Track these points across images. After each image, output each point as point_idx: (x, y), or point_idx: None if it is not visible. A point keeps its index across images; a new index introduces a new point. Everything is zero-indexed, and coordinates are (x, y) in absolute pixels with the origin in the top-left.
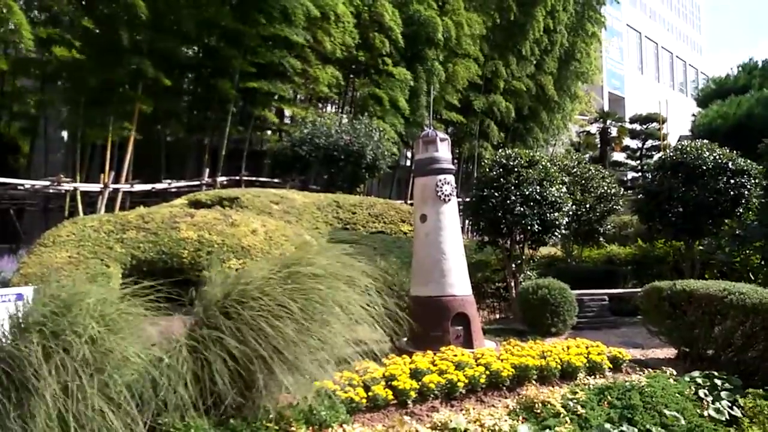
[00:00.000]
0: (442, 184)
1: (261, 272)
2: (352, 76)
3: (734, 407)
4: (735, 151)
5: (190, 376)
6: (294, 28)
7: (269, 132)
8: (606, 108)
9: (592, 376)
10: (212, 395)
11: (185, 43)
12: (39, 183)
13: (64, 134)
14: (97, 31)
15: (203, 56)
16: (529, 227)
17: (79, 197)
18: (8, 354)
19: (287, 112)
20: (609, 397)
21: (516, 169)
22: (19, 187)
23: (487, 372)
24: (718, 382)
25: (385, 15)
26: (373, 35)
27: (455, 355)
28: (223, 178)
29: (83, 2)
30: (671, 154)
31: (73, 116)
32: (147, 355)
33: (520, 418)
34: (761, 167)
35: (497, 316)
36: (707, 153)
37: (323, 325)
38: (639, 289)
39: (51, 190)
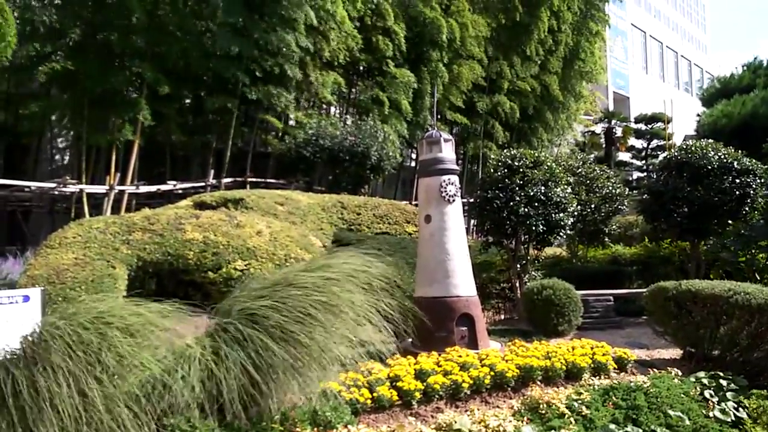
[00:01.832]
0: (447, 184)
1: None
2: (355, 78)
3: (740, 408)
4: (740, 151)
5: (199, 380)
6: (297, 35)
7: (273, 134)
8: (611, 108)
9: (597, 377)
10: (219, 397)
11: (186, 49)
12: (45, 185)
13: (70, 136)
14: (98, 37)
15: (205, 61)
16: (533, 228)
17: (84, 199)
18: (31, 362)
19: (291, 115)
20: (614, 398)
21: (521, 170)
22: (26, 189)
23: (492, 373)
24: (724, 382)
25: (388, 18)
26: (376, 38)
27: (460, 356)
28: (228, 180)
29: (84, 11)
30: (676, 153)
31: (77, 119)
32: (161, 360)
33: (525, 418)
34: (766, 167)
35: (502, 316)
36: (712, 152)
37: (329, 326)
38: (644, 290)
39: (57, 192)
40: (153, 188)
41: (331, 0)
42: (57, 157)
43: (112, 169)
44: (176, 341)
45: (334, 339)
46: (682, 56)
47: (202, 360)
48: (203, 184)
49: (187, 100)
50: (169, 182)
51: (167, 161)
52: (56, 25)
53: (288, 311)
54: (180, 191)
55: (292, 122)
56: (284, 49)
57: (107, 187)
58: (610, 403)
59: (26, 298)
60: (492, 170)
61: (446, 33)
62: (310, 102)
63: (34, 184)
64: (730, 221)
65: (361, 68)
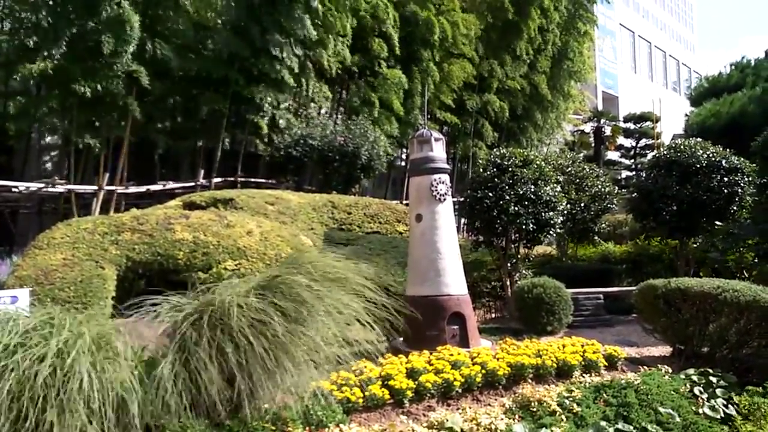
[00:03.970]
0: (437, 183)
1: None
2: (347, 78)
3: (729, 405)
4: (728, 149)
5: (183, 380)
6: (293, 43)
7: (264, 133)
8: (600, 107)
9: (588, 375)
10: (208, 397)
11: (180, 49)
12: (33, 185)
13: (59, 136)
14: (88, 36)
15: (198, 62)
16: (524, 226)
17: (73, 199)
18: None
19: (281, 116)
20: (605, 395)
21: (510, 169)
22: (13, 189)
23: (484, 371)
24: (713, 379)
25: (387, 21)
26: (371, 40)
27: (451, 355)
28: (218, 179)
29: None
30: (665, 152)
31: (66, 118)
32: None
33: (516, 416)
34: (754, 165)
35: (493, 315)
36: (701, 151)
37: (319, 326)
38: (634, 288)
39: (45, 192)
40: (142, 188)
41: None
42: (45, 157)
43: (101, 169)
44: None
45: (310, 329)
46: (670, 56)
47: (181, 358)
48: (193, 184)
49: (178, 100)
50: (158, 182)
51: (157, 161)
52: (47, 23)
53: (251, 310)
54: (170, 191)
55: (282, 123)
56: (280, 55)
57: (96, 188)
58: (601, 401)
59: (14, 299)
60: (481, 169)
61: (438, 32)
62: (301, 102)
63: (21, 185)
64: (718, 219)
65: (353, 69)
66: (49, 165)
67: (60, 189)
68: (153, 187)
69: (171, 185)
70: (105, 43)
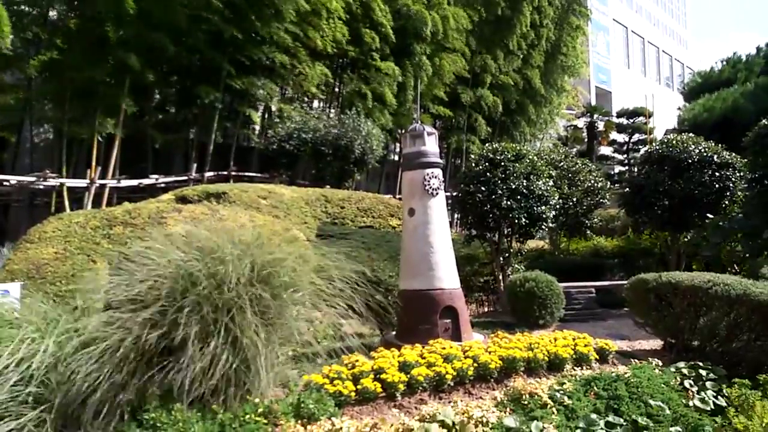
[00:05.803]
0: (430, 177)
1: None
2: (339, 70)
3: (719, 397)
4: (720, 145)
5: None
6: (284, 24)
7: (256, 128)
8: (593, 102)
9: (579, 368)
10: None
11: (173, 39)
12: (25, 178)
13: (51, 129)
14: (83, 27)
15: (190, 53)
16: (516, 221)
17: (65, 193)
18: None
19: (274, 108)
20: (595, 388)
21: (503, 163)
22: (5, 183)
23: (475, 364)
24: (703, 372)
25: (376, 10)
26: (363, 31)
27: (443, 348)
28: (211, 173)
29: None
30: (657, 147)
31: (58, 112)
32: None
33: (508, 409)
34: (746, 160)
35: (485, 309)
36: (693, 146)
37: (310, 319)
38: (625, 282)
39: (37, 186)
40: (135, 182)
41: None
42: (37, 150)
43: (93, 163)
44: None
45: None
46: (663, 51)
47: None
48: (186, 177)
49: (171, 92)
50: (151, 176)
51: (149, 155)
52: (41, 14)
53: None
54: (162, 185)
55: (275, 116)
56: (273, 37)
57: (88, 181)
58: (592, 393)
59: (5, 293)
60: (473, 164)
61: (429, 25)
62: (295, 94)
63: (13, 178)
64: (709, 214)
65: (346, 61)
66: (40, 158)
67: (52, 182)
68: (145, 181)
69: (163, 179)
70: (103, 32)
